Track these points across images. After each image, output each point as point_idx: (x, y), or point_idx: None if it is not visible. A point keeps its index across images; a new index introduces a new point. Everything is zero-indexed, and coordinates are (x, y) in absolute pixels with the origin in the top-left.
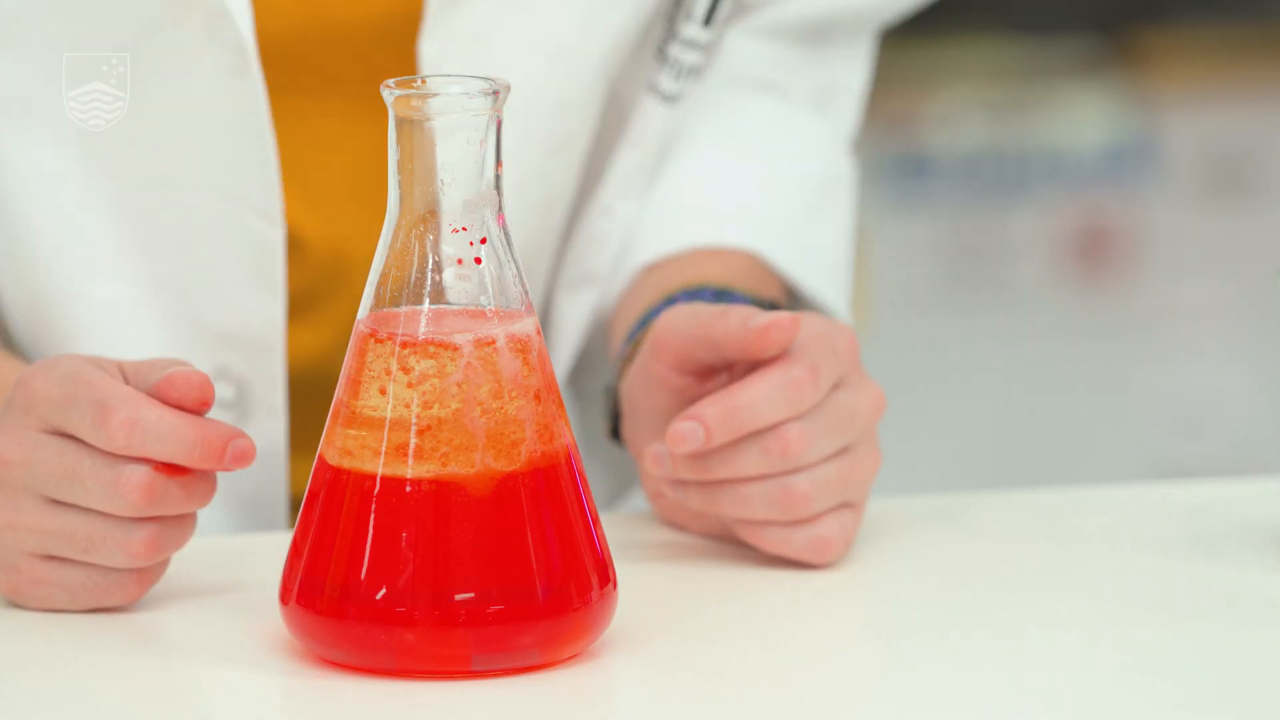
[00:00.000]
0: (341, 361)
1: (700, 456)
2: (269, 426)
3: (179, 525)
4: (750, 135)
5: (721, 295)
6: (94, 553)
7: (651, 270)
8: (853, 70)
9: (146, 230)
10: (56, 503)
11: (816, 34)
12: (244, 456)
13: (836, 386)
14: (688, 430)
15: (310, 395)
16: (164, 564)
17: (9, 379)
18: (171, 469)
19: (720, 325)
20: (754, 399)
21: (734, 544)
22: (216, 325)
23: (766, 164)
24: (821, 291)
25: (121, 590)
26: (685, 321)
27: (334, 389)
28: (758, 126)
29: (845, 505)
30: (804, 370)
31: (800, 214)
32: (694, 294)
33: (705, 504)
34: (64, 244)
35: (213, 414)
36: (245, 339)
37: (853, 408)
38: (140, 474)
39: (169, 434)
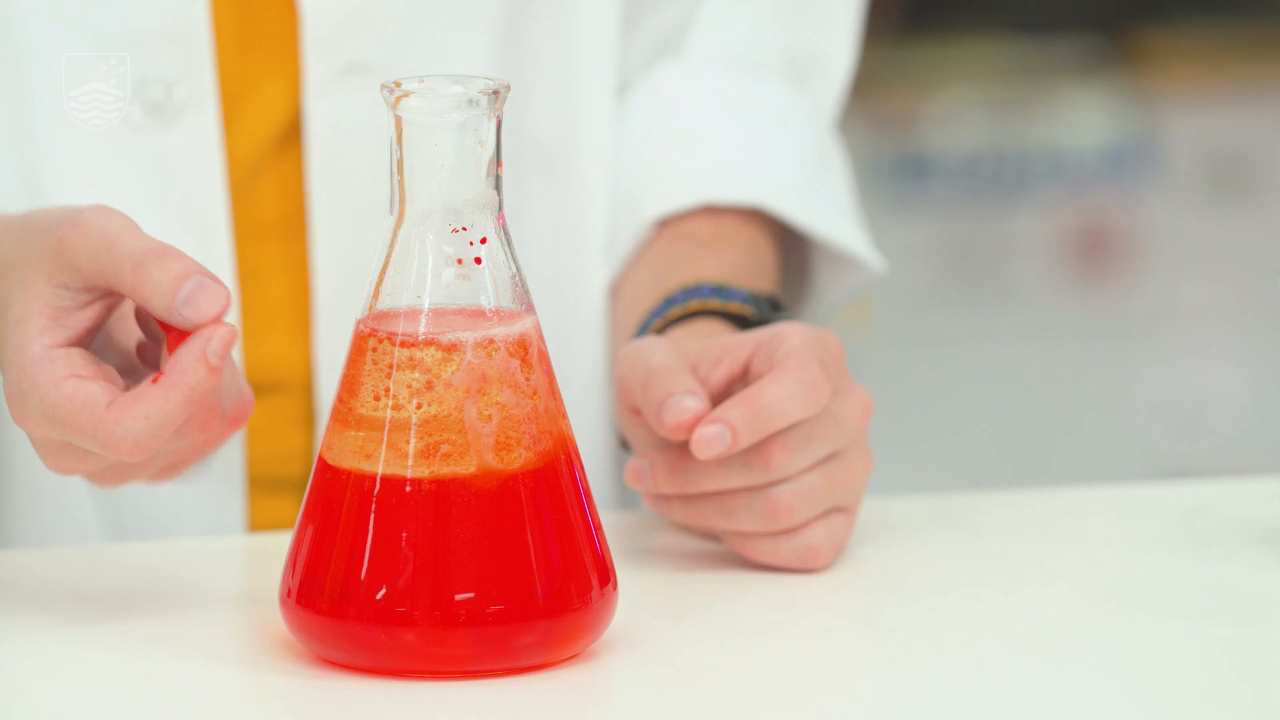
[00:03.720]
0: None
1: (681, 470)
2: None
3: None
4: (744, 102)
5: (719, 291)
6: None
7: (656, 243)
8: (835, 43)
9: None
10: None
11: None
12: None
13: None
14: (714, 434)
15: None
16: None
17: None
18: None
19: (641, 396)
20: (777, 398)
21: None
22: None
23: (764, 126)
24: (839, 236)
25: (145, 469)
26: (631, 369)
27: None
28: (750, 94)
29: (835, 510)
30: (818, 369)
31: (806, 172)
32: (691, 292)
33: (689, 517)
34: None
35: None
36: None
37: (838, 414)
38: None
39: (158, 432)
